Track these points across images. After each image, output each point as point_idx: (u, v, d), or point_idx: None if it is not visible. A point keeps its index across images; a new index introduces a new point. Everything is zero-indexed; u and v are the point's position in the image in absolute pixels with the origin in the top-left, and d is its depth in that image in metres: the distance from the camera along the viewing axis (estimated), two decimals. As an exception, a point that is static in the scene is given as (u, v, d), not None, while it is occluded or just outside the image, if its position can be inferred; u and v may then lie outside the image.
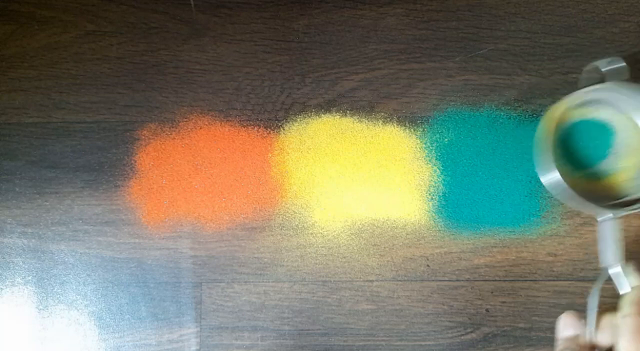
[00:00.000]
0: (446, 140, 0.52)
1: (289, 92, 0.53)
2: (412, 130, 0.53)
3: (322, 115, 0.53)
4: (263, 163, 0.53)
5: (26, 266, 0.53)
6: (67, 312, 0.53)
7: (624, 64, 0.47)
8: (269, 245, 0.52)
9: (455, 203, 0.52)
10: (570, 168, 0.51)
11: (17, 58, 0.54)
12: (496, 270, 0.52)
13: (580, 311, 0.51)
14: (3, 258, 0.53)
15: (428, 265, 0.52)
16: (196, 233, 0.53)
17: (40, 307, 0.53)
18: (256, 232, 0.53)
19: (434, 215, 0.52)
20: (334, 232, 0.52)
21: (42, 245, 0.53)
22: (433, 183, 0.52)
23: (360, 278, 0.52)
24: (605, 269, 0.46)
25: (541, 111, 0.52)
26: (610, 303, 0.44)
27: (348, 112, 0.53)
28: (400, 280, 0.52)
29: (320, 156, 0.53)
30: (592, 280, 0.51)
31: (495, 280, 0.52)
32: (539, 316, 0.51)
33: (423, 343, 0.52)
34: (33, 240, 0.53)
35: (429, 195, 0.52)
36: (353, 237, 0.52)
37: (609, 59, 0.48)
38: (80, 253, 0.53)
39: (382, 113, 0.53)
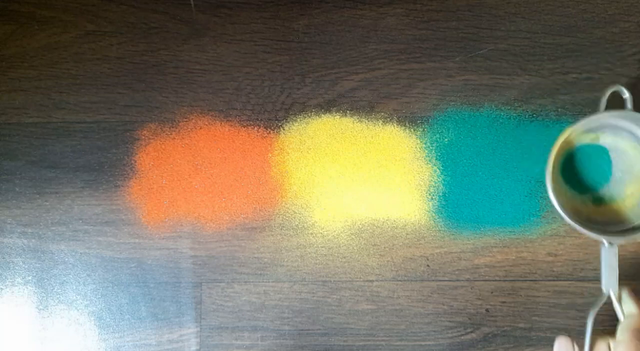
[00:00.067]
0: (446, 140, 0.53)
1: (289, 92, 0.53)
2: (412, 130, 0.53)
3: (322, 115, 0.53)
4: (263, 163, 0.53)
5: (26, 266, 0.53)
6: (67, 312, 0.53)
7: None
8: (269, 245, 0.52)
9: (455, 203, 0.52)
10: (576, 191, 0.51)
11: (17, 58, 0.54)
12: (496, 270, 0.52)
13: (580, 311, 0.51)
14: (3, 258, 0.53)
15: (428, 265, 0.52)
16: (196, 233, 0.53)
17: (40, 307, 0.53)
18: (256, 232, 0.53)
19: (434, 215, 0.52)
20: (334, 232, 0.52)
21: (42, 245, 0.53)
22: (433, 183, 0.52)
23: (360, 278, 0.52)
24: (604, 294, 0.46)
25: (541, 111, 0.52)
26: (610, 326, 0.45)
27: (348, 112, 0.53)
28: (400, 280, 0.52)
29: (320, 156, 0.53)
30: (592, 280, 0.51)
31: (495, 280, 0.52)
32: (539, 316, 0.51)
33: (423, 343, 0.52)
34: (33, 240, 0.53)
35: (429, 195, 0.52)
36: (353, 237, 0.52)
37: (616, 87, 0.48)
38: (80, 253, 0.53)
39: (382, 113, 0.53)
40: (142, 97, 0.54)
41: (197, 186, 0.53)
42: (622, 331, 0.43)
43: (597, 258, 0.50)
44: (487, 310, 0.52)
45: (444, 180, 0.52)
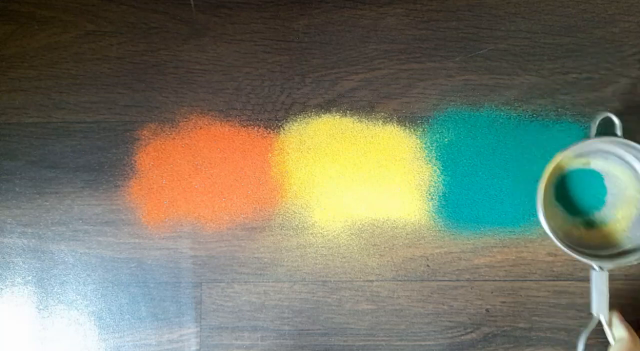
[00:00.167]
0: (446, 140, 0.52)
1: (289, 92, 0.53)
2: (412, 130, 0.53)
3: (322, 115, 0.53)
4: (263, 163, 0.53)
5: (26, 266, 0.53)
6: (67, 312, 0.53)
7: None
8: (269, 245, 0.52)
9: (455, 203, 0.52)
10: (569, 213, 0.51)
11: (17, 58, 0.54)
12: (496, 270, 0.52)
13: (580, 311, 0.51)
14: (3, 258, 0.53)
15: (428, 265, 0.52)
16: (196, 233, 0.53)
17: (40, 307, 0.53)
18: (256, 232, 0.53)
19: (434, 215, 0.52)
20: (334, 232, 0.52)
21: (42, 245, 0.53)
22: (433, 183, 0.52)
23: (360, 278, 0.52)
24: (594, 318, 0.47)
25: (541, 111, 0.52)
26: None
27: (348, 112, 0.53)
28: (400, 280, 0.52)
29: (320, 156, 0.53)
30: (592, 280, 0.51)
31: (495, 280, 0.52)
32: (539, 316, 0.51)
33: (423, 343, 0.52)
34: (33, 240, 0.53)
35: (429, 195, 0.52)
36: (353, 237, 0.52)
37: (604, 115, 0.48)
38: (80, 253, 0.53)
39: (382, 113, 0.53)
40: (142, 97, 0.54)
41: (197, 186, 0.53)
42: None
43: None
44: (487, 310, 0.52)
45: (444, 180, 0.52)
